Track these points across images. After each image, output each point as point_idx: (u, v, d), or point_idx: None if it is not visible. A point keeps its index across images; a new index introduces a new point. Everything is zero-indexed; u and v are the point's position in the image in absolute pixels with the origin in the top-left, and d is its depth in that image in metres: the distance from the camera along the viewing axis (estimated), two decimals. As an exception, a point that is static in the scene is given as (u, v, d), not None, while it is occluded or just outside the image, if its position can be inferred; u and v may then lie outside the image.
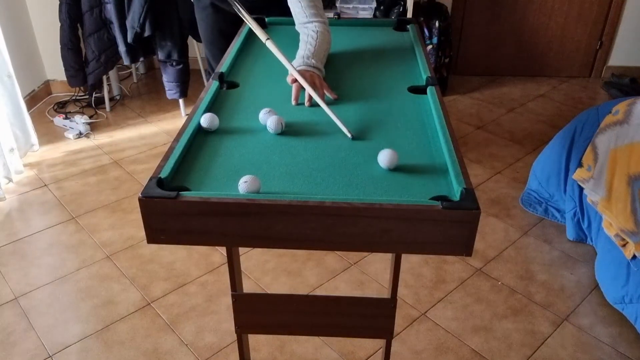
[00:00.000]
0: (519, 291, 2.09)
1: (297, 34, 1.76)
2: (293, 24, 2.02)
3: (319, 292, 2.09)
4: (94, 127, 3.33)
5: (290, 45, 1.81)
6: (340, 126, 1.27)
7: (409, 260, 2.23)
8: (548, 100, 3.68)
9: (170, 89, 3.29)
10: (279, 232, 1.01)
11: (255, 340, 1.87)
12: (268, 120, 1.27)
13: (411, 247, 1.01)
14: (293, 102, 1.40)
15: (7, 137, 2.77)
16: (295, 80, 1.44)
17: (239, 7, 1.65)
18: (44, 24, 3.46)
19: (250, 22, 1.63)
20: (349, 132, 1.25)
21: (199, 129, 1.27)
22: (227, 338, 1.89)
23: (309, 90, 1.39)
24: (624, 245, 1.88)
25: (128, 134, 3.26)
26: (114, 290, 2.10)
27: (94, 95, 3.52)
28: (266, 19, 1.97)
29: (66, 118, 3.27)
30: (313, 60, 1.50)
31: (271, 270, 2.19)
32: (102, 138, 3.21)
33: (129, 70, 4.02)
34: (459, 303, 2.04)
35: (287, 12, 1.87)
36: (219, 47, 2.38)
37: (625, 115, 2.04)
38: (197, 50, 3.59)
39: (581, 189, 2.22)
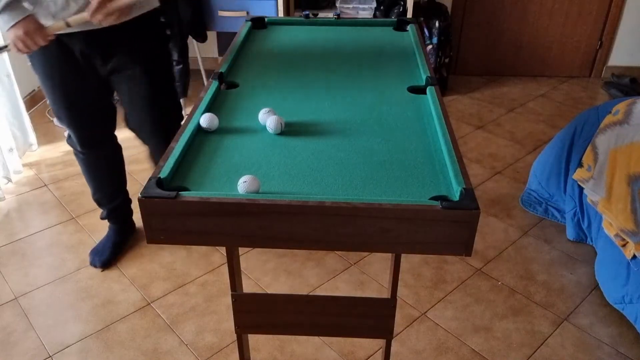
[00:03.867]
0: (519, 291, 2.09)
1: (297, 34, 1.76)
2: (293, 24, 2.02)
3: (319, 292, 2.09)
4: (94, 127, 3.32)
5: (289, 44, 1.81)
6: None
7: (409, 260, 2.23)
8: (548, 100, 3.68)
9: (170, 89, 3.29)
10: (279, 232, 1.01)
11: (255, 340, 1.87)
12: (268, 120, 1.27)
13: (411, 247, 1.01)
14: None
15: (6, 137, 2.77)
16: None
17: None
18: (44, 24, 3.46)
19: None
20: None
21: (199, 129, 1.27)
22: (227, 338, 1.89)
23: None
24: (624, 245, 1.88)
25: (128, 134, 3.24)
26: (114, 290, 2.10)
27: (93, 95, 3.51)
28: (266, 19, 1.97)
29: (66, 118, 3.26)
30: None
31: (271, 270, 2.19)
32: (102, 138, 3.20)
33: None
34: (459, 303, 2.04)
35: (136, 50, 1.77)
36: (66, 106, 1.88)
37: (625, 115, 2.04)
38: (197, 50, 3.58)
39: (581, 189, 2.22)
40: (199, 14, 3.23)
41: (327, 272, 2.18)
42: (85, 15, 1.52)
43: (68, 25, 1.54)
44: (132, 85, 1.85)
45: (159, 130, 1.98)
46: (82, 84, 1.83)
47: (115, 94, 1.96)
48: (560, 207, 2.42)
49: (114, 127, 2.11)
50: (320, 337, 1.88)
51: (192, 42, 3.55)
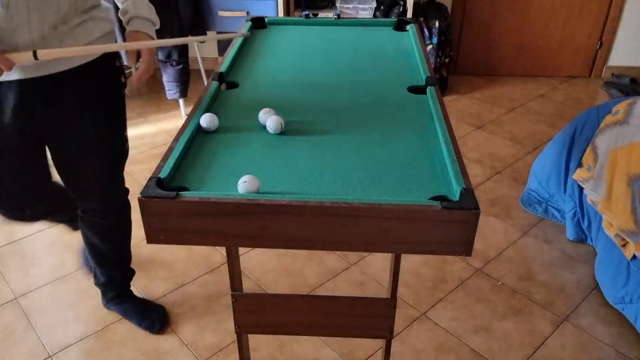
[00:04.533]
0: (519, 291, 2.09)
1: (297, 34, 1.75)
2: (293, 24, 2.02)
3: (319, 292, 2.09)
4: (94, 127, 3.32)
5: (289, 44, 1.81)
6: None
7: (409, 260, 2.23)
8: (548, 100, 3.68)
9: (170, 89, 3.29)
10: (279, 232, 1.01)
11: (255, 340, 1.87)
12: (267, 120, 1.27)
13: (411, 247, 1.01)
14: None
15: (7, 137, 2.76)
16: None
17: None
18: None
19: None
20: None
21: (199, 129, 1.27)
22: (227, 338, 1.89)
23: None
24: (624, 245, 1.88)
25: (128, 134, 3.25)
26: (114, 290, 2.10)
27: (93, 95, 3.50)
28: (266, 19, 1.97)
29: (66, 118, 3.26)
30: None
31: (271, 270, 2.19)
32: (102, 138, 3.20)
33: (129, 70, 4.01)
34: (459, 303, 2.04)
35: (85, 96, 1.50)
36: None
37: (625, 115, 2.04)
38: (197, 50, 3.59)
39: (581, 189, 2.22)
40: (199, 13, 3.23)
41: (327, 272, 2.18)
42: (59, 51, 1.30)
43: (35, 57, 1.27)
44: (76, 136, 1.55)
45: (100, 183, 1.69)
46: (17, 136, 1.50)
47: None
48: (560, 207, 2.42)
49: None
50: (320, 337, 1.88)
51: (192, 42, 3.55)
